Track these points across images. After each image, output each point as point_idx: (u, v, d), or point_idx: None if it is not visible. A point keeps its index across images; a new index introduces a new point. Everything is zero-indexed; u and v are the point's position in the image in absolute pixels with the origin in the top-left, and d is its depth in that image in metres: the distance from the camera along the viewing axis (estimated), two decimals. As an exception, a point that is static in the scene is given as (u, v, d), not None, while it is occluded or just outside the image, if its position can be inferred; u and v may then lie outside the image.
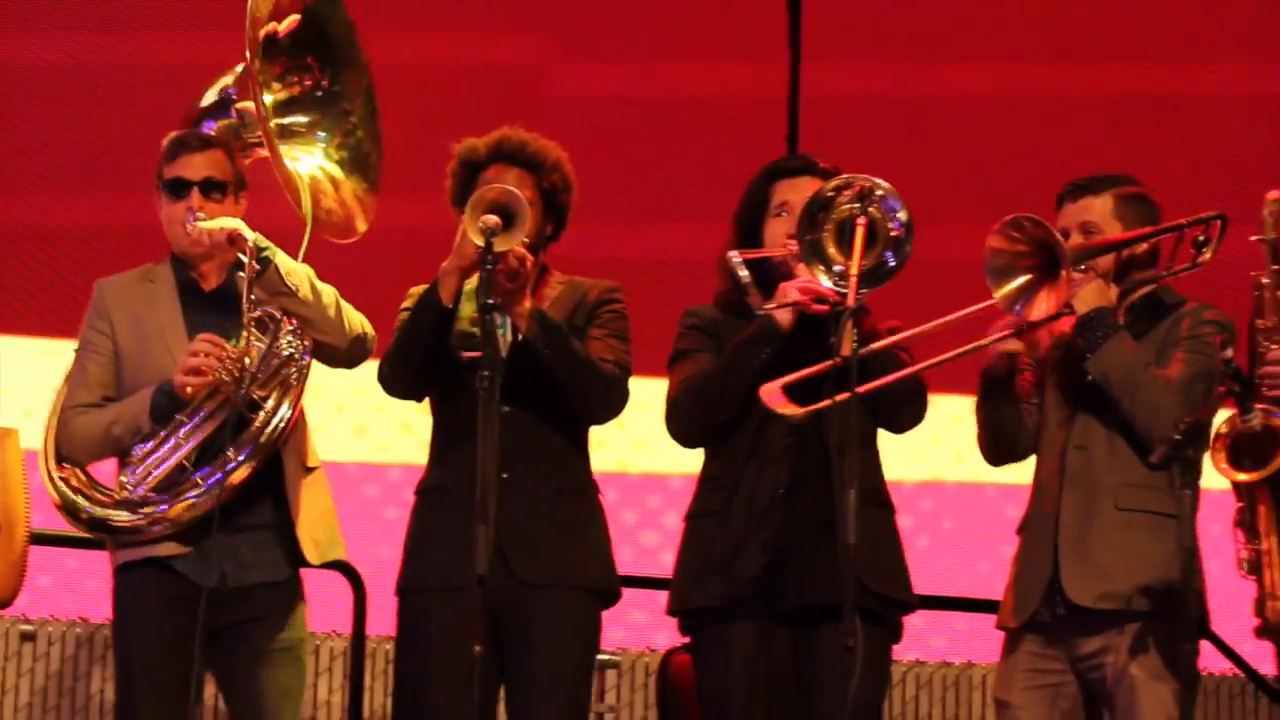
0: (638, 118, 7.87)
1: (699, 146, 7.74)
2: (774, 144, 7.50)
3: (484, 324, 4.54)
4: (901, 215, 4.74)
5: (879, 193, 4.75)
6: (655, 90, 7.93)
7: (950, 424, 7.46)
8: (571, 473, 4.96)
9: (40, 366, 7.22)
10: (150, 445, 4.95)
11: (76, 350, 5.13)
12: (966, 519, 7.78)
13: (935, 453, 7.72)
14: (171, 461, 4.94)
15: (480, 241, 4.63)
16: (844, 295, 4.67)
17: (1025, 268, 4.79)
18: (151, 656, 4.92)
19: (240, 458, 4.91)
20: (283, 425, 4.95)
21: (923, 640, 7.36)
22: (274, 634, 5.00)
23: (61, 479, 5.01)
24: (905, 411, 4.95)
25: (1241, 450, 4.54)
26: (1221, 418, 4.63)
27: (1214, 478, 4.64)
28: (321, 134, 5.35)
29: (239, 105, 5.26)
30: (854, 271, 4.66)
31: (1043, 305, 4.79)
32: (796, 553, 4.82)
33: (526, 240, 4.77)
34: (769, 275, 4.92)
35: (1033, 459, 5.00)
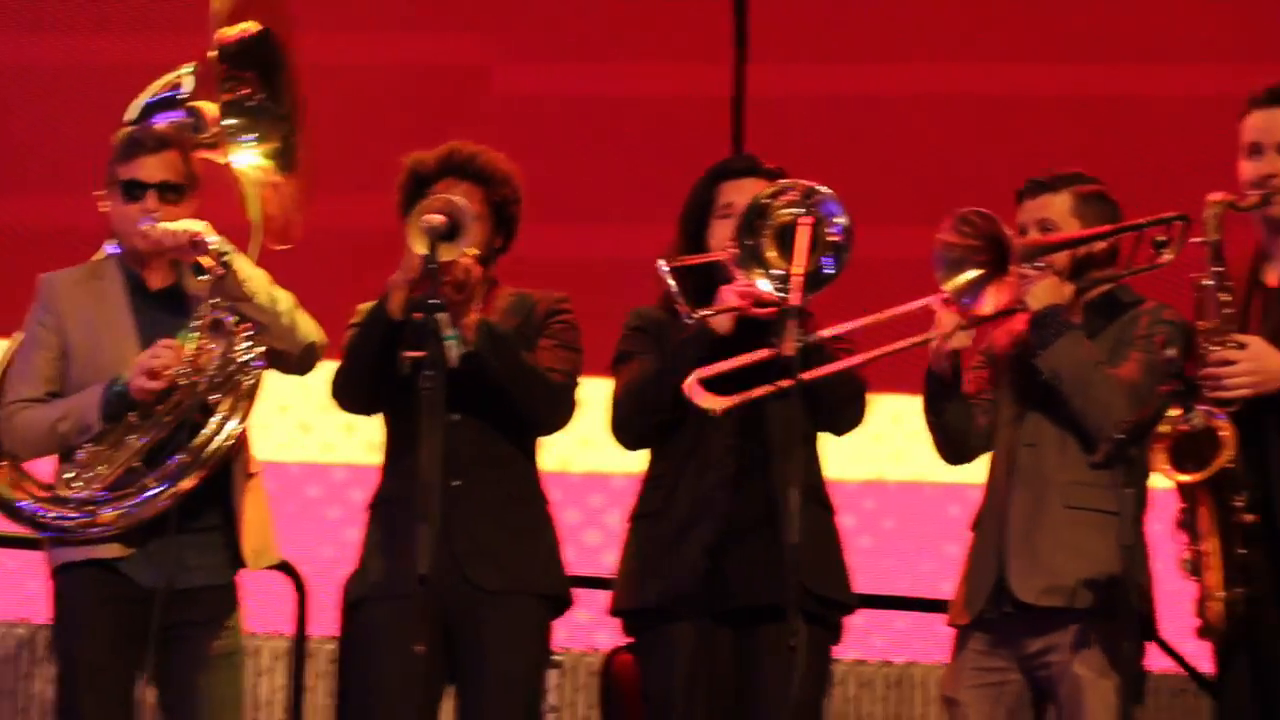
0: (582, 118, 7.85)
1: (644, 147, 7.73)
2: (719, 145, 7.49)
3: (426, 324, 4.53)
4: (841, 220, 4.73)
5: (817, 197, 4.76)
6: (600, 90, 7.91)
7: (891, 423, 7.47)
8: (521, 480, 4.96)
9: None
10: (98, 444, 4.93)
11: (14, 343, 5.09)
12: (908, 518, 7.78)
13: (877, 452, 7.72)
14: (120, 461, 4.92)
15: (424, 248, 4.62)
16: (785, 297, 4.67)
17: (978, 262, 4.79)
18: (95, 658, 4.90)
19: (190, 464, 4.90)
20: (230, 442, 4.94)
21: (865, 639, 7.37)
22: (213, 639, 4.99)
23: (-4, 474, 4.99)
24: (845, 413, 4.95)
25: (1184, 451, 4.56)
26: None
27: (1159, 477, 4.65)
28: (254, 136, 5.33)
29: (194, 104, 5.24)
30: (798, 271, 4.66)
31: (990, 301, 4.80)
32: (738, 553, 4.82)
33: (476, 252, 4.76)
34: (713, 278, 4.92)
35: (986, 457, 5.00)
